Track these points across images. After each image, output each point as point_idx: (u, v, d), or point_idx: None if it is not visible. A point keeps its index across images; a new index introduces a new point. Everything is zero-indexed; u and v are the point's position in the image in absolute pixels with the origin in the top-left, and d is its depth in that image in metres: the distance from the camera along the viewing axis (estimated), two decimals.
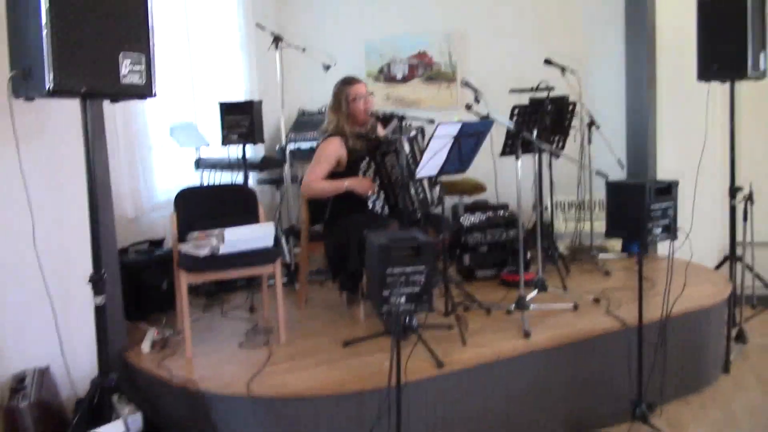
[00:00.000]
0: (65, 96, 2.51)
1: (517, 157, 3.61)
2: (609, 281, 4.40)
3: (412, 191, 3.62)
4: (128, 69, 2.63)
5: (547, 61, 4.74)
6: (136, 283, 3.85)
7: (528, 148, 3.94)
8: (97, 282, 2.73)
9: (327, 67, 4.66)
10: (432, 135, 3.23)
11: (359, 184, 3.58)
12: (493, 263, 4.55)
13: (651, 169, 5.07)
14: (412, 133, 3.66)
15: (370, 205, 3.63)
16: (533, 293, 3.90)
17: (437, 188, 3.85)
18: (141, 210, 4.28)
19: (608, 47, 5.40)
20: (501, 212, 4.70)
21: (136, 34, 2.65)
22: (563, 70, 4.71)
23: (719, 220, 5.05)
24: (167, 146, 4.70)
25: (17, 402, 2.85)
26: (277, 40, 4.37)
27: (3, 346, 3.14)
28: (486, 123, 3.57)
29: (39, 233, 3.02)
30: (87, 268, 3.20)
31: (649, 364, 3.39)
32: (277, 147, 4.65)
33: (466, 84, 3.88)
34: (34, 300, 2.99)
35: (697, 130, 4.63)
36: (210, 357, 3.34)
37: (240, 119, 4.13)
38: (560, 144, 4.56)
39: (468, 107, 3.69)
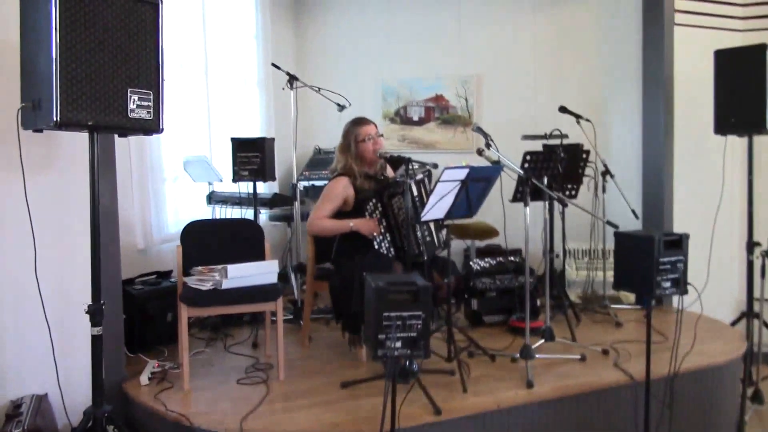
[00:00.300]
0: (73, 129, 2.55)
1: (525, 204, 3.58)
2: (620, 333, 4.31)
3: (419, 234, 3.60)
4: (136, 104, 2.68)
5: (562, 109, 4.73)
6: (141, 314, 3.85)
7: (539, 194, 3.91)
8: (94, 313, 2.73)
9: (341, 108, 4.70)
10: (438, 179, 3.22)
11: (364, 225, 3.57)
12: (501, 309, 4.48)
13: (666, 220, 5.00)
14: (419, 176, 3.66)
15: (376, 246, 3.61)
16: (540, 342, 3.83)
17: (444, 232, 3.83)
18: (151, 241, 4.31)
19: (625, 96, 5.38)
20: (511, 258, 4.66)
21: (146, 72, 2.70)
22: (578, 118, 4.69)
23: (736, 275, 4.95)
24: (181, 179, 4.75)
25: (11, 428, 2.84)
26: (292, 79, 4.42)
27: (2, 373, 3.15)
28: (494, 168, 3.56)
29: (42, 262, 3.05)
30: (88, 297, 3.23)
31: (657, 421, 3.29)
32: (290, 184, 4.67)
33: (477, 129, 3.87)
34: (34, 328, 3.00)
35: (714, 182, 4.59)
36: (207, 392, 3.31)
37: (251, 156, 4.17)
38: (573, 192, 4.52)
39: (479, 152, 3.69)
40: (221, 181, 4.65)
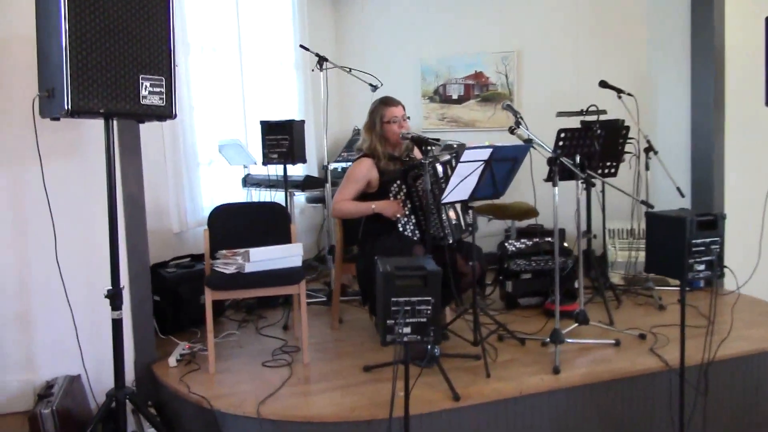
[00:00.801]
0: (85, 116, 2.59)
1: (554, 184, 3.45)
2: (662, 316, 4.13)
3: (444, 216, 3.52)
4: (148, 91, 2.69)
5: (603, 83, 4.53)
6: (174, 296, 3.92)
7: (574, 174, 3.77)
8: (114, 297, 2.78)
9: (374, 88, 4.63)
10: (458, 159, 3.13)
11: (387, 206, 3.51)
12: (537, 291, 4.37)
13: (717, 198, 4.76)
14: (446, 157, 3.57)
15: (400, 228, 3.55)
16: (573, 326, 3.71)
17: (470, 214, 3.73)
18: (185, 225, 4.38)
19: (672, 69, 5.11)
20: (548, 238, 4.52)
21: (157, 58, 2.71)
22: (619, 92, 4.48)
23: None
24: (216, 163, 4.80)
25: (41, 408, 2.94)
26: (321, 60, 4.38)
27: (36, 354, 3.27)
28: (520, 147, 3.43)
29: (70, 247, 3.14)
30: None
31: (692, 410, 3.14)
32: (321, 166, 4.66)
33: (507, 107, 3.75)
34: (67, 310, 3.08)
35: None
36: (232, 374, 3.35)
37: (280, 138, 4.16)
38: (612, 170, 4.34)
39: (511, 131, 3.57)
40: (255, 163, 4.68)
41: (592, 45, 5.51)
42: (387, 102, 3.64)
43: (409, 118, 3.67)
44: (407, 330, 2.52)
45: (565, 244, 4.68)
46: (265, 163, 4.29)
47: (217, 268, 3.46)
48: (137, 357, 3.48)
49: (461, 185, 3.28)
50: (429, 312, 2.51)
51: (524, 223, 5.49)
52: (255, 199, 4.76)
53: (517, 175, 3.59)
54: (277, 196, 4.70)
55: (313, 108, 5.50)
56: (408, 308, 2.49)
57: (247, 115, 4.95)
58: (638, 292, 4.59)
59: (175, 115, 2.80)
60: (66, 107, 2.48)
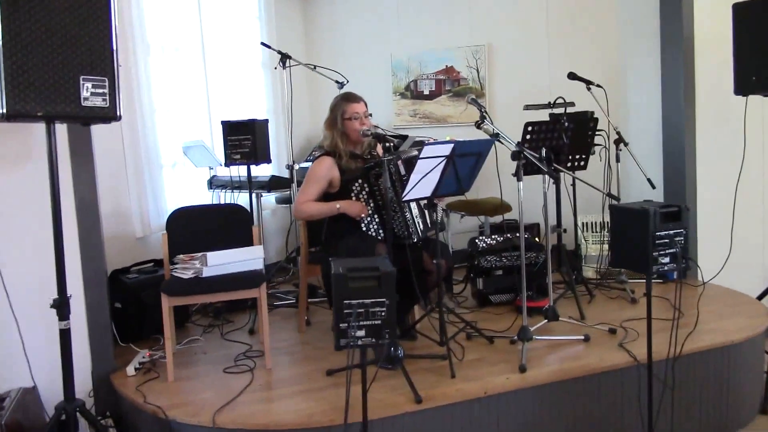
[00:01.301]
0: (23, 120, 2.50)
1: (518, 178, 3.38)
2: (634, 310, 4.08)
3: (408, 215, 3.45)
4: (90, 92, 2.60)
5: (572, 75, 4.47)
6: (136, 303, 3.82)
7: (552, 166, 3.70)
8: (60, 306, 2.69)
9: (341, 85, 4.55)
10: (418, 156, 3.06)
11: (351, 206, 3.43)
12: (509, 288, 4.30)
13: (689, 189, 4.71)
14: (413, 153, 3.49)
15: (364, 228, 3.47)
16: (542, 323, 3.65)
17: (439, 211, 3.66)
18: (148, 229, 4.28)
19: (643, 60, 5.05)
20: (518, 234, 4.45)
21: (98, 58, 2.61)
22: (588, 84, 4.43)
23: (761, 245, 4.65)
24: (181, 165, 4.70)
25: None
26: (284, 58, 4.29)
27: None
28: (483, 142, 3.36)
29: (24, 255, 3.04)
30: (74, 288, 3.22)
31: (661, 405, 3.09)
32: (285, 165, 4.57)
33: (472, 101, 3.68)
34: (22, 321, 2.98)
35: (740, 147, 4.28)
36: (192, 382, 3.26)
37: (242, 139, 4.07)
38: (582, 163, 4.28)
39: (478, 125, 3.50)
40: (221, 165, 4.58)
41: (563, 37, 5.45)
42: (348, 98, 3.55)
43: (371, 114, 3.59)
44: (361, 333, 2.45)
45: (536, 239, 4.62)
46: (227, 165, 4.20)
47: (175, 274, 3.38)
48: (94, 366, 3.38)
49: (423, 182, 3.21)
50: (384, 314, 2.44)
51: (498, 219, 5.44)
52: (222, 201, 4.66)
53: (487, 170, 3.53)
54: (244, 198, 4.61)
55: (282, 107, 5.41)
56: (361, 310, 2.42)
57: (213, 115, 4.86)
58: (611, 286, 4.53)
59: (120, 117, 2.71)
60: (1, 111, 2.39)
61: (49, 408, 3.23)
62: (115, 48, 2.68)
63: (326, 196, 3.57)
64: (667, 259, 2.88)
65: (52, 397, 3.25)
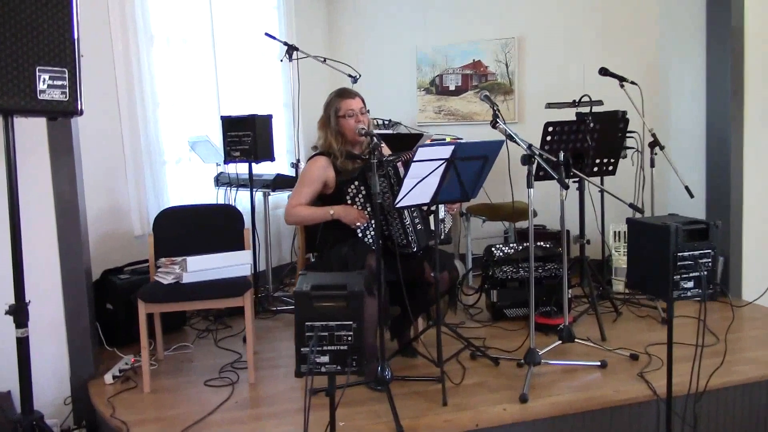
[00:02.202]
0: None
1: (528, 185, 3.05)
2: (664, 332, 3.66)
3: (407, 222, 3.16)
4: (47, 84, 2.40)
5: (603, 71, 4.08)
6: (126, 305, 3.63)
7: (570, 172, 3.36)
8: (16, 313, 2.50)
9: (354, 79, 4.28)
10: (411, 159, 2.76)
11: (347, 213, 3.14)
12: (526, 302, 3.94)
13: (735, 198, 4.27)
14: (410, 154, 3.19)
15: (360, 235, 3.19)
16: (556, 344, 3.31)
17: (447, 220, 3.36)
18: (147, 227, 4.09)
19: (687, 57, 4.60)
20: (541, 243, 4.11)
21: (58, 48, 2.40)
22: (622, 80, 4.03)
23: None
24: (186, 161, 4.52)
25: None
26: (291, 50, 4.05)
27: None
28: (490, 144, 3.04)
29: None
30: (45, 291, 3.05)
31: None
32: (290, 163, 4.33)
33: (485, 97, 3.37)
34: None
35: None
36: (168, 395, 3.06)
37: (242, 135, 3.84)
38: (610, 167, 3.90)
39: (493, 125, 3.19)
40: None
41: (599, 29, 5.03)
42: (342, 94, 3.27)
43: (368, 111, 3.30)
44: (325, 359, 2.18)
45: (559, 249, 4.25)
46: (226, 162, 3.98)
47: (157, 278, 3.18)
48: (73, 372, 3.21)
49: (420, 187, 2.91)
50: (350, 339, 2.17)
51: (525, 225, 5.09)
52: (229, 200, 4.45)
53: (514, 172, 3.21)
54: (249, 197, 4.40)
55: (293, 102, 5.16)
56: (325, 333, 2.16)
57: (222, 110, 4.64)
58: (641, 303, 4.14)
59: (81, 112, 2.49)
60: None
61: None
62: (76, 37, 2.46)
63: (322, 199, 3.31)
64: (690, 284, 2.53)
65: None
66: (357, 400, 2.91)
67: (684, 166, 4.24)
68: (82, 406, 3.15)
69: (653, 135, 3.99)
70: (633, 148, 4.11)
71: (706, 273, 2.48)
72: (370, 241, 3.17)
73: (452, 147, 2.88)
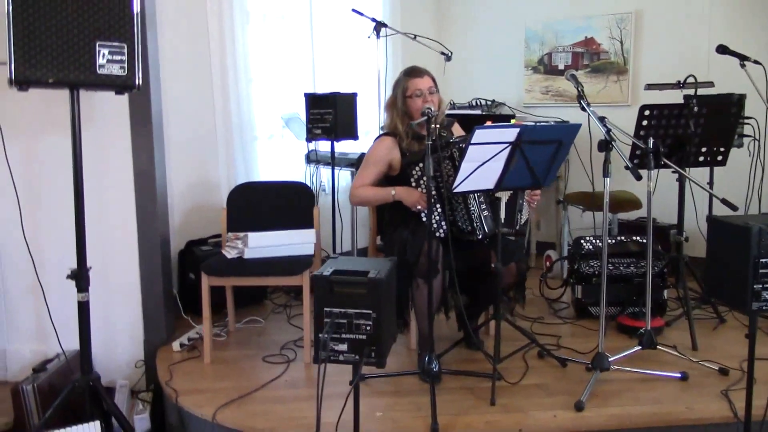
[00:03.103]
0: (35, 86, 2.42)
1: (604, 174, 2.77)
2: None
3: (473, 207, 2.98)
4: (106, 59, 2.48)
5: (721, 48, 3.65)
6: None
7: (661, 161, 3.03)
8: (78, 278, 2.64)
9: (448, 58, 4.12)
10: (468, 141, 2.59)
11: (408, 194, 3.03)
12: (614, 301, 3.65)
13: None
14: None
15: (424, 219, 3.06)
16: (634, 350, 3.01)
17: (524, 211, 3.13)
18: None
19: None
20: (637, 237, 3.76)
21: (117, 23, 2.49)
22: (743, 59, 3.58)
23: None
24: (281, 137, 4.58)
25: (24, 383, 2.91)
26: (379, 26, 3.95)
27: (48, 326, 3.23)
28: (564, 128, 2.81)
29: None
30: (123, 258, 3.19)
31: None
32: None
33: (571, 77, 3.12)
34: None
35: None
36: (227, 366, 3.13)
37: (324, 113, 3.81)
38: (718, 158, 3.47)
39: (583, 108, 2.95)
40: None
41: (727, 5, 4.48)
42: (410, 73, 3.13)
43: (437, 91, 3.13)
44: (343, 347, 2.10)
45: (659, 247, 3.88)
46: (308, 140, 3.97)
47: (224, 252, 3.24)
48: (146, 337, 3.37)
49: (482, 172, 2.74)
50: (369, 328, 2.07)
51: (633, 216, 4.70)
52: (317, 178, 4.47)
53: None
54: (341, 175, 4.38)
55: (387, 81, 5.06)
56: (344, 321, 2.08)
57: (318, 87, 4.65)
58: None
59: (139, 86, 2.57)
60: (10, 77, 2.34)
61: (102, 372, 3.29)
62: (136, 12, 2.54)
63: (389, 181, 3.21)
64: None
65: (101, 362, 3.31)
66: (406, 390, 2.82)
67: None
68: (152, 371, 3.30)
69: None
70: (750, 136, 3.63)
71: None
72: (434, 226, 3.03)
73: (518, 129, 2.67)
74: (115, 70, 2.52)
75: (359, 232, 4.38)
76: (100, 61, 2.48)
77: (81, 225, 2.66)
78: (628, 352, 3.00)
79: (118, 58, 2.52)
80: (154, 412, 3.08)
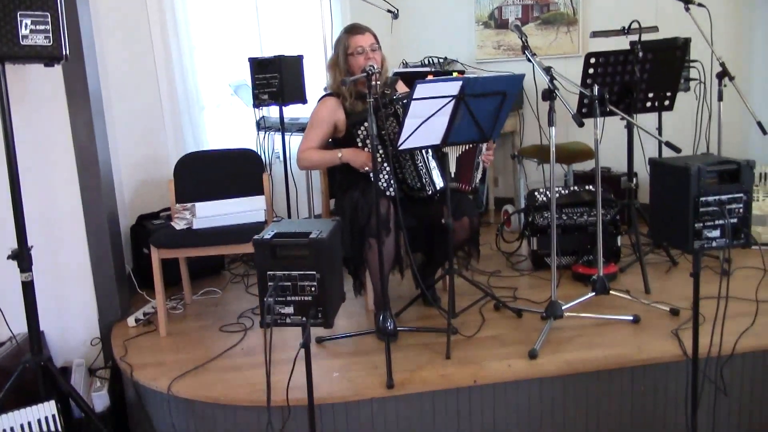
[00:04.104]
0: None
1: (550, 123, 2.75)
2: (724, 284, 3.31)
3: (420, 164, 2.96)
4: (29, 29, 2.38)
5: None
6: None
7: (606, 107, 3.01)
8: (19, 258, 2.57)
9: (394, 15, 4.04)
10: (410, 96, 2.56)
11: (355, 155, 2.99)
12: (569, 251, 3.69)
13: None
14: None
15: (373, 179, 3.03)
16: (588, 296, 3.05)
17: (480, 168, 3.11)
18: None
19: None
20: (588, 186, 3.79)
21: None
22: (687, 3, 3.56)
23: None
24: (230, 105, 4.49)
25: None
26: None
27: (5, 309, 3.14)
28: (506, 79, 2.78)
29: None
30: (71, 237, 3.11)
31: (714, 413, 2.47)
32: None
33: (515, 28, 3.11)
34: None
35: None
36: (181, 339, 3.11)
37: (269, 77, 3.74)
38: (666, 102, 3.49)
39: (528, 58, 2.93)
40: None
41: None
42: (351, 30, 3.07)
43: (379, 48, 3.07)
44: (289, 310, 2.09)
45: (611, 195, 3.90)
46: (256, 106, 3.89)
47: (173, 224, 3.19)
48: (101, 315, 3.32)
49: (427, 127, 2.71)
50: (314, 289, 2.05)
51: (588, 167, 4.73)
52: (269, 144, 4.40)
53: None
54: (293, 140, 4.31)
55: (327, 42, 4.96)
56: (288, 284, 2.06)
57: (265, 52, 4.54)
58: (704, 253, 3.74)
59: (67, 57, 2.48)
60: None
61: (55, 354, 3.24)
62: None
63: (335, 142, 3.17)
64: (716, 233, 2.21)
65: (58, 344, 3.26)
66: (362, 350, 2.83)
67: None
68: (109, 348, 3.25)
69: (722, 64, 3.52)
70: (696, 79, 3.65)
71: (729, 221, 2.14)
72: (383, 185, 3.01)
73: (460, 82, 2.64)
74: (40, 40, 2.42)
75: (314, 197, 4.34)
76: (23, 31, 2.38)
77: (18, 204, 2.58)
78: (581, 299, 3.03)
79: (42, 27, 2.41)
80: (113, 389, 3.05)
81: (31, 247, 2.63)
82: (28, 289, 2.63)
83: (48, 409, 2.64)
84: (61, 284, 3.23)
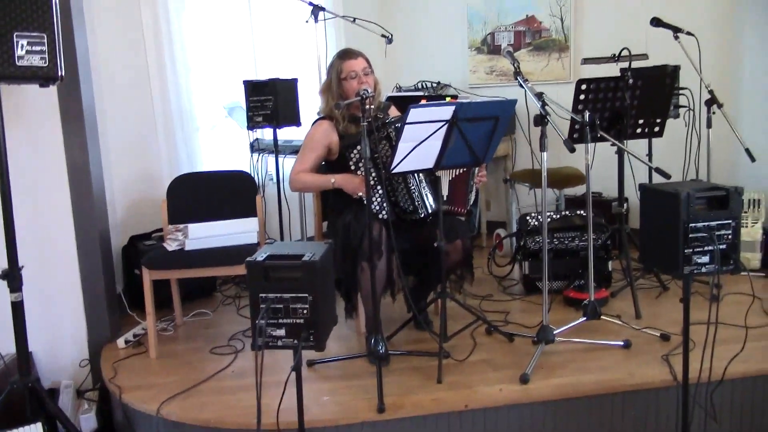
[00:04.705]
0: None
1: (542, 148, 2.79)
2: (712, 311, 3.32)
3: (413, 187, 2.98)
4: (25, 50, 2.40)
5: (656, 21, 3.70)
6: None
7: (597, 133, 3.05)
8: (9, 278, 2.56)
9: (388, 40, 4.09)
10: (404, 121, 2.58)
11: (348, 181, 3.00)
12: (561, 275, 3.70)
13: None
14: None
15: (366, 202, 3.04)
16: (579, 321, 3.06)
17: (473, 192, 3.13)
18: None
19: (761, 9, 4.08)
20: (580, 211, 3.82)
21: (36, 12, 2.40)
22: (676, 31, 3.63)
23: None
24: (223, 127, 4.51)
25: None
26: (316, 10, 3.90)
27: None
28: (500, 104, 2.82)
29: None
30: (62, 257, 3.11)
31: None
32: None
33: (507, 54, 3.14)
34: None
35: None
36: (171, 361, 3.08)
37: (263, 100, 3.76)
38: (655, 129, 3.53)
39: (520, 84, 2.96)
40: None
41: None
42: (344, 55, 3.10)
43: (371, 72, 3.11)
44: (281, 332, 2.08)
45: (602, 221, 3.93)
46: (250, 128, 3.92)
47: (164, 244, 3.18)
48: (90, 335, 3.30)
49: (420, 151, 2.73)
50: (306, 312, 2.05)
51: (580, 192, 4.76)
52: (263, 166, 4.41)
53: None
54: (286, 163, 4.32)
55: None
56: (280, 306, 2.05)
57: (260, 75, 4.58)
58: (694, 278, 3.76)
59: (62, 77, 2.49)
60: None
61: (43, 375, 3.21)
62: (55, 1, 2.45)
63: (328, 165, 3.19)
64: (705, 258, 2.23)
65: (48, 363, 3.24)
66: (353, 374, 2.82)
67: (756, 128, 3.78)
68: (98, 370, 3.22)
69: (710, 92, 3.57)
70: (685, 106, 3.70)
71: (717, 247, 2.17)
72: (376, 208, 3.02)
73: (453, 107, 2.67)
74: (36, 61, 2.43)
75: (307, 219, 4.35)
76: (19, 52, 2.40)
77: (10, 223, 2.58)
78: (572, 324, 3.04)
79: (38, 48, 2.43)
80: (101, 411, 3.02)
81: (22, 267, 2.62)
82: (18, 309, 2.62)
83: (34, 431, 2.62)
84: (50, 304, 3.21)
